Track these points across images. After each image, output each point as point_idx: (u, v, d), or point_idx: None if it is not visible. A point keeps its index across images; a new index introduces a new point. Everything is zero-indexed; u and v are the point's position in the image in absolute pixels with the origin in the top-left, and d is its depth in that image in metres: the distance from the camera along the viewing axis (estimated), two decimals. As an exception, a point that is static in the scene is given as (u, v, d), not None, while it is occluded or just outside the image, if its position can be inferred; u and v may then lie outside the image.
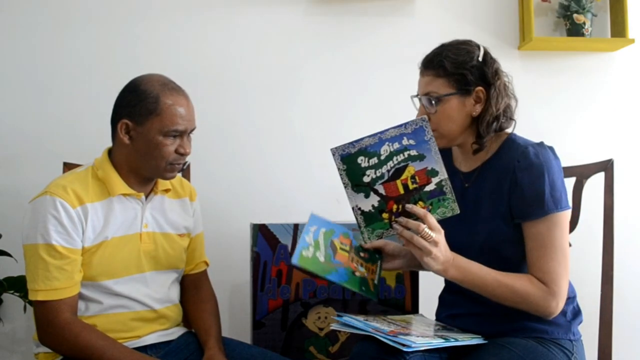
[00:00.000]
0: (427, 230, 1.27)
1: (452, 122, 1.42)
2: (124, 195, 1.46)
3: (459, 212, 1.30)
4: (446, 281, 1.60)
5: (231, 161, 2.13)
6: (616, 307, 1.65)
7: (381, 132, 1.26)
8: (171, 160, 1.44)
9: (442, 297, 1.61)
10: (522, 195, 1.36)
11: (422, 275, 1.72)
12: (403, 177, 1.27)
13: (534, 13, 2.20)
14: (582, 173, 1.74)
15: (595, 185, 1.74)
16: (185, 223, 1.59)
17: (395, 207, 1.29)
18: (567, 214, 1.37)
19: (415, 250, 1.30)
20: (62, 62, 2.06)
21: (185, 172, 1.88)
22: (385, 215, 1.31)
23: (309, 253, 1.32)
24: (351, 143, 1.27)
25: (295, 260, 1.29)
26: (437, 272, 1.33)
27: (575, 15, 2.19)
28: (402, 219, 1.29)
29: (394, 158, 1.26)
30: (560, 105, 2.27)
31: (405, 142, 1.26)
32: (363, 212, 1.32)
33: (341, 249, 1.37)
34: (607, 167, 1.69)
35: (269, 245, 1.77)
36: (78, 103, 2.06)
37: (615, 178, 1.70)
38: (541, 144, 1.43)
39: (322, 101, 2.17)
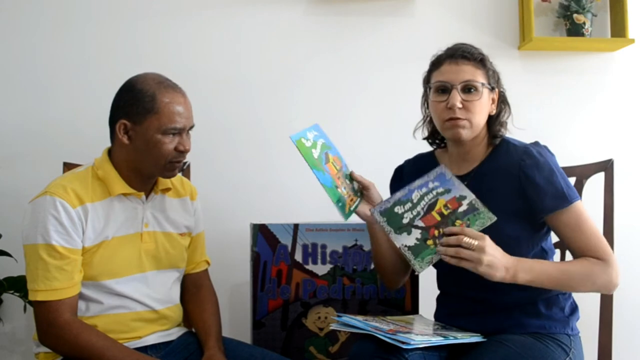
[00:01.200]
0: (467, 239, 1.28)
1: (483, 114, 1.46)
2: (125, 194, 1.46)
3: (496, 218, 1.33)
4: (439, 284, 1.61)
5: (231, 161, 2.13)
6: (616, 307, 1.65)
7: (409, 185, 1.42)
8: (171, 159, 1.44)
9: (439, 299, 1.62)
10: (542, 192, 1.40)
11: (422, 275, 1.72)
12: (437, 208, 1.38)
13: (534, 13, 2.19)
14: (582, 173, 1.75)
15: (595, 185, 1.74)
16: (186, 222, 1.59)
17: (437, 232, 1.36)
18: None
19: (467, 265, 1.29)
20: (62, 62, 2.06)
21: (186, 172, 1.88)
22: (430, 242, 1.37)
23: (308, 143, 1.42)
24: (386, 200, 1.43)
25: (294, 137, 1.38)
26: (505, 281, 1.32)
27: (575, 15, 2.19)
28: (442, 240, 1.32)
29: (425, 198, 1.39)
30: (561, 105, 2.27)
31: (430, 185, 1.40)
32: (409, 247, 1.38)
33: (332, 163, 1.46)
34: (607, 167, 1.69)
35: (269, 245, 1.77)
36: (78, 103, 2.06)
37: (615, 178, 1.70)
38: (537, 143, 1.48)
39: (322, 101, 2.17)
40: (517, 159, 1.42)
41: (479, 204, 1.34)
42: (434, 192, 1.38)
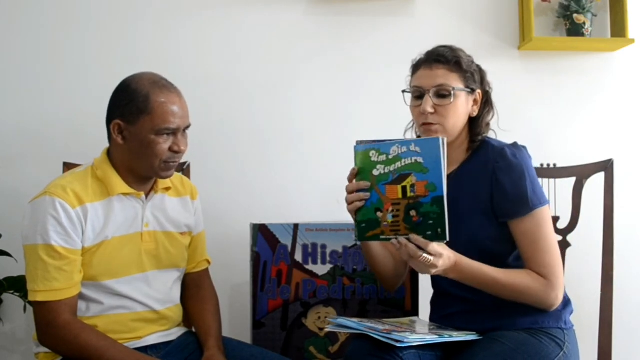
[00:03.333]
0: (425, 255, 1.27)
1: (457, 118, 1.45)
2: (124, 194, 1.46)
3: (447, 239, 1.27)
4: (434, 285, 1.62)
5: (231, 161, 2.13)
6: (616, 307, 1.66)
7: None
8: (165, 159, 1.43)
9: (433, 301, 1.63)
10: (506, 195, 1.41)
11: (422, 275, 1.72)
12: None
13: (534, 13, 2.19)
14: (582, 173, 1.75)
15: (595, 185, 1.74)
16: (186, 221, 1.59)
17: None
18: (548, 209, 1.43)
19: (412, 265, 1.32)
20: (62, 61, 2.06)
21: (185, 172, 1.88)
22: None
23: (377, 157, 1.35)
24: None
25: (359, 147, 1.38)
26: (434, 274, 1.34)
27: (575, 15, 2.19)
28: (402, 240, 1.28)
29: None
30: (560, 105, 2.27)
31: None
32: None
33: (407, 186, 1.33)
34: (607, 167, 1.70)
35: (269, 245, 1.77)
36: (78, 103, 2.05)
37: (615, 178, 1.70)
38: (515, 144, 1.48)
39: (321, 101, 2.17)
40: (492, 160, 1.44)
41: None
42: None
